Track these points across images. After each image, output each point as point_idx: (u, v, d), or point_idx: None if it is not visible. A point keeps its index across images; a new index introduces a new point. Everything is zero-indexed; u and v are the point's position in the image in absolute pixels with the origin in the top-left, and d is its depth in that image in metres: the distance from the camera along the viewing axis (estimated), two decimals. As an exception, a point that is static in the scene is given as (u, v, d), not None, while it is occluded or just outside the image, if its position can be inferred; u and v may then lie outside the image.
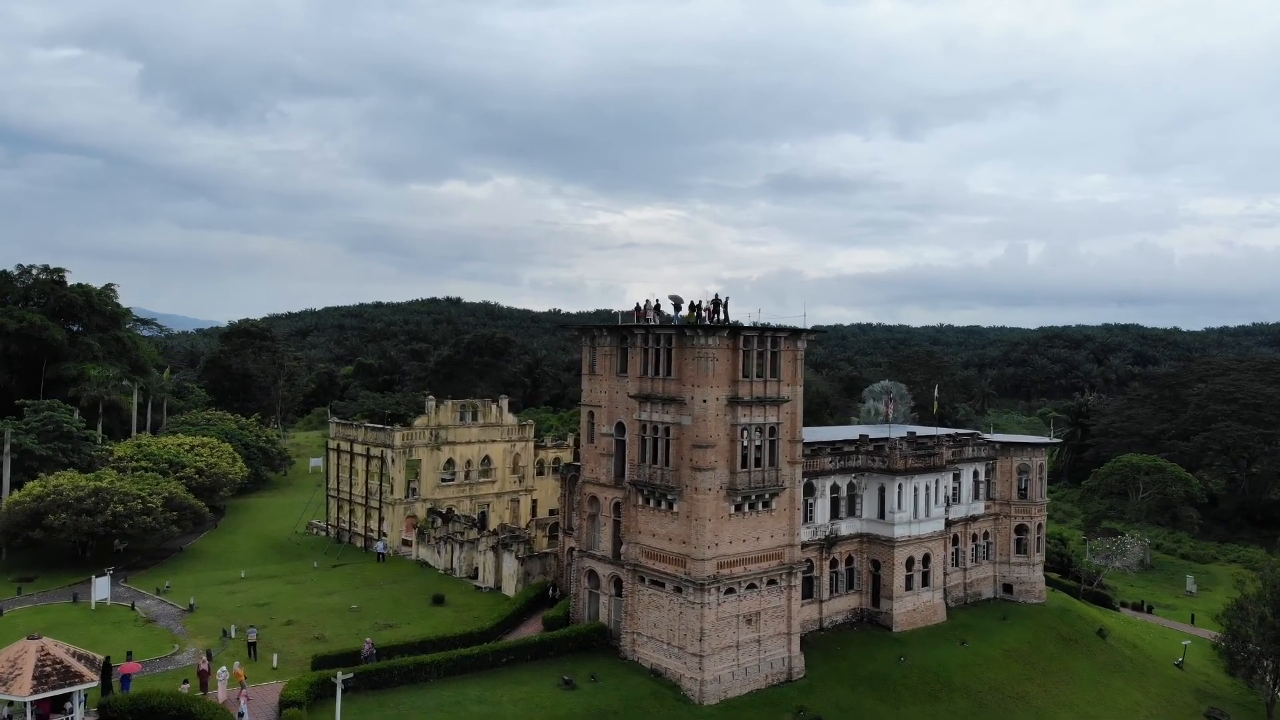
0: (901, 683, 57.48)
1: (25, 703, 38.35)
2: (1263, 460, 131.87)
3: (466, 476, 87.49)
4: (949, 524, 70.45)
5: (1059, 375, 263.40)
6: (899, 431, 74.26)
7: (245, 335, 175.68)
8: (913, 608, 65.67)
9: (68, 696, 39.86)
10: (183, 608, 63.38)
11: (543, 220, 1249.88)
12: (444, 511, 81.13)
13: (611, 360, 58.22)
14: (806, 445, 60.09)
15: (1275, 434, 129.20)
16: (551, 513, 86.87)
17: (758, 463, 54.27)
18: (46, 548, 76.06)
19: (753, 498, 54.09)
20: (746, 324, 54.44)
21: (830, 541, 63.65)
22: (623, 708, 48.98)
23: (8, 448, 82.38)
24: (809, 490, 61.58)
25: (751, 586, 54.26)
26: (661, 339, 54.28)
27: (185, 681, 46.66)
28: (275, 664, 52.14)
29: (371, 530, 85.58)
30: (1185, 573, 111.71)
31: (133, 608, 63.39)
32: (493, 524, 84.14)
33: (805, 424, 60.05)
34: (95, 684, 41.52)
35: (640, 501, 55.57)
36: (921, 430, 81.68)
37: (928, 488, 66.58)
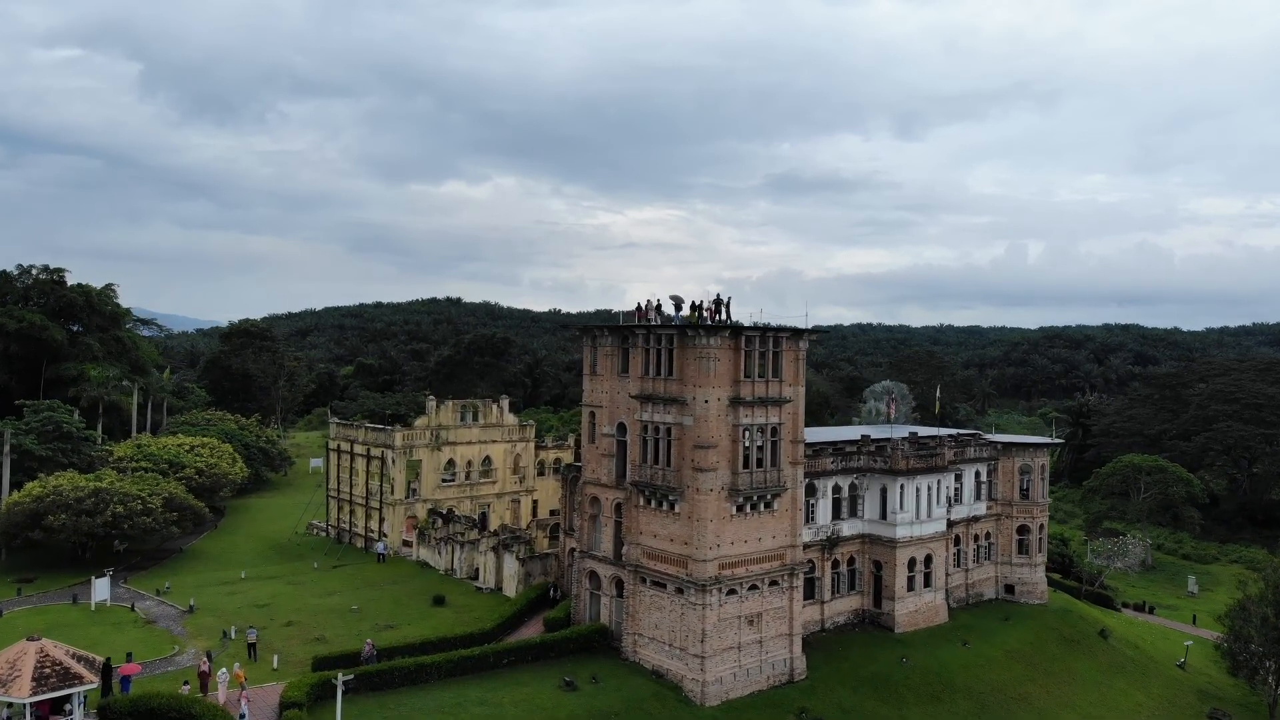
0: (903, 684, 57.34)
1: (24, 704, 38.18)
2: (1264, 460, 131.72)
3: (467, 477, 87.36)
4: (951, 524, 70.32)
5: (1059, 375, 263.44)
6: (900, 432, 74.17)
7: (245, 335, 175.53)
8: (915, 608, 65.54)
9: (67, 698, 39.69)
10: (183, 609, 63.25)
11: (543, 220, 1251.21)
12: (444, 512, 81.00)
13: (613, 360, 58.07)
14: (808, 446, 59.94)
15: (1276, 434, 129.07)
16: (552, 513, 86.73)
17: (759, 463, 54.14)
18: (46, 548, 75.95)
19: (754, 498, 53.95)
20: (748, 324, 54.31)
21: (832, 542, 63.51)
22: (624, 709, 48.84)
23: (7, 448, 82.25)
24: (811, 491, 61.44)
25: (753, 587, 54.11)
26: (663, 339, 54.14)
27: (185, 683, 46.52)
28: (275, 665, 52.04)
29: (372, 531, 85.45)
30: (1187, 573, 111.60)
31: (132, 609, 63.26)
32: (493, 525, 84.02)
33: (806, 424, 59.90)
34: (95, 685, 41.37)
35: (642, 502, 55.43)
36: (923, 431, 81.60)
37: (930, 488, 66.45)
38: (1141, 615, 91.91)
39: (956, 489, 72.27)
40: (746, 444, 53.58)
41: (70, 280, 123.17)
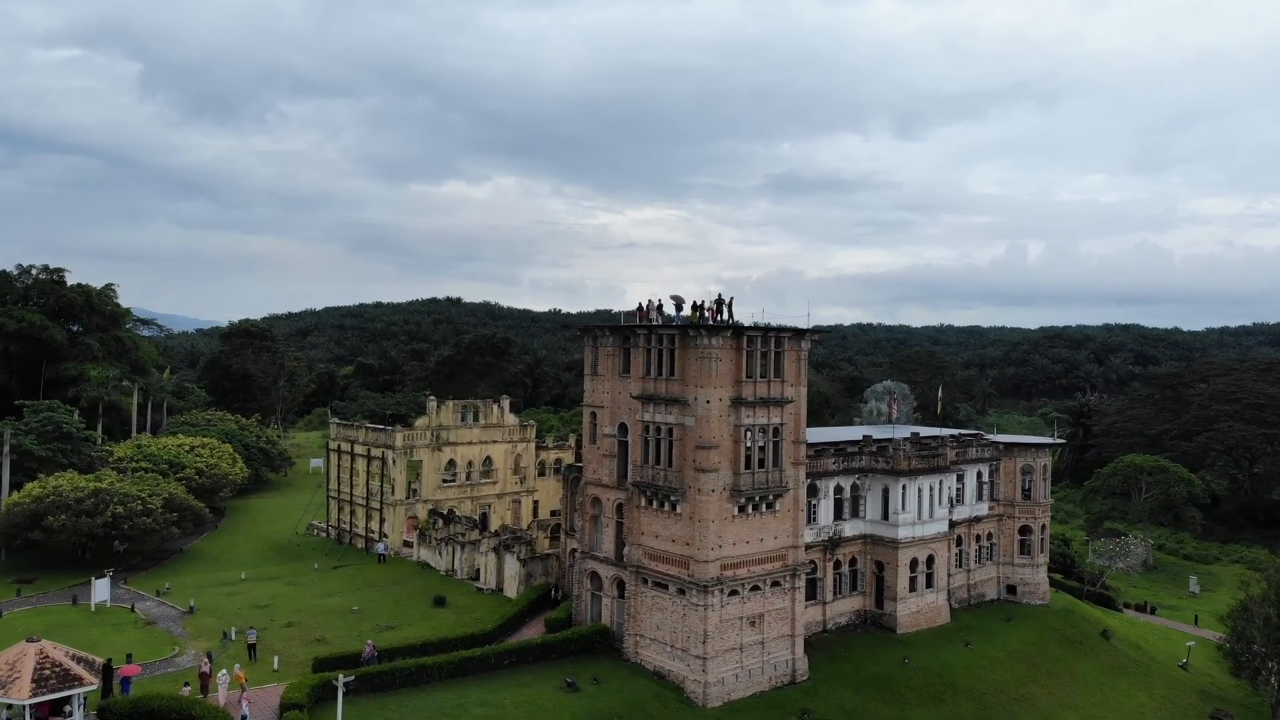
0: (906, 684, 57.23)
1: (24, 706, 38.07)
2: (1265, 460, 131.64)
3: (468, 477, 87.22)
4: (953, 525, 70.20)
5: (1060, 375, 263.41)
6: (902, 432, 74.03)
7: (245, 335, 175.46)
8: (916, 609, 65.42)
9: (67, 699, 39.59)
10: (183, 609, 63.10)
11: (543, 220, 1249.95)
12: (445, 513, 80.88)
13: (614, 360, 57.94)
14: (810, 446, 59.78)
15: (1277, 434, 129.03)
16: (553, 514, 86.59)
17: (761, 464, 54.02)
18: (46, 549, 75.80)
19: (756, 499, 53.82)
20: (749, 324, 54.20)
21: (834, 543, 63.39)
22: (626, 710, 48.74)
23: (7, 448, 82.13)
24: (812, 491, 61.30)
25: (755, 588, 53.99)
26: (664, 339, 54.02)
27: (186, 684, 46.37)
28: (276, 666, 51.92)
29: (372, 531, 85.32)
30: (1188, 573, 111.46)
31: (133, 609, 63.09)
32: (494, 525, 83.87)
33: (807, 425, 59.76)
34: (95, 687, 41.26)
35: (643, 503, 55.31)
36: (925, 431, 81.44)
37: (931, 489, 66.33)
38: (1143, 616, 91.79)
39: (958, 489, 72.16)
40: (748, 444, 53.45)
41: (70, 280, 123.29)
